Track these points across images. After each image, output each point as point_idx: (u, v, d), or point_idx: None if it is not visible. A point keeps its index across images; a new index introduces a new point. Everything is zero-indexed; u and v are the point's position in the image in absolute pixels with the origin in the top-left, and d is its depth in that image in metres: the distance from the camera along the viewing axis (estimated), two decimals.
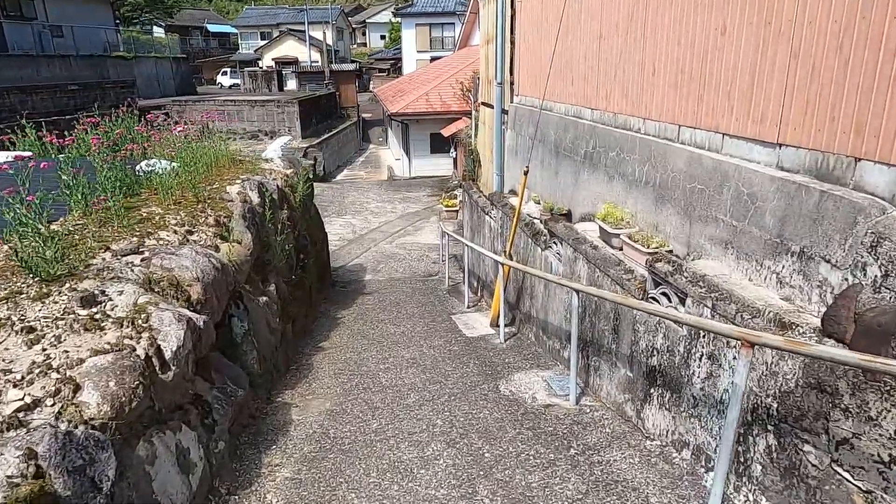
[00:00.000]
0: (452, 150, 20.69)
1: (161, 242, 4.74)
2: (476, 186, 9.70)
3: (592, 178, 5.29)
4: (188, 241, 5.01)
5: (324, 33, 38.17)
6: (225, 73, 48.32)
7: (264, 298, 5.56)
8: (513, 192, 7.76)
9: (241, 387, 4.30)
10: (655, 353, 3.67)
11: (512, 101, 7.72)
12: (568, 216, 5.74)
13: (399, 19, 43.92)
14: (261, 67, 41.16)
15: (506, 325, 6.61)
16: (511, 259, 6.29)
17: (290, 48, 49.37)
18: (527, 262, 6.37)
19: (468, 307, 8.24)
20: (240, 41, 58.63)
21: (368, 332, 7.14)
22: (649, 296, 3.78)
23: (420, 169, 22.92)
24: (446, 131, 19.47)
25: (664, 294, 3.63)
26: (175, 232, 5.01)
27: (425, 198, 19.19)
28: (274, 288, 5.99)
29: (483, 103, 9.58)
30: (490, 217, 8.01)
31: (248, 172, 7.32)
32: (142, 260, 4.16)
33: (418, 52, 38.15)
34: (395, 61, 50.33)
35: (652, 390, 3.72)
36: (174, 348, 3.32)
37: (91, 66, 29.49)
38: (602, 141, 5.09)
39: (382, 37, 66.77)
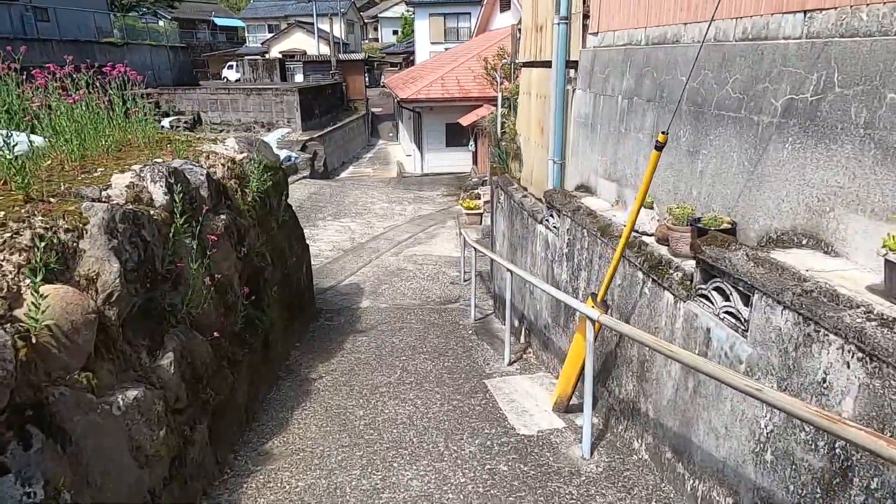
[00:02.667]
0: (471, 142, 17.94)
1: None
2: (517, 182, 6.91)
3: (813, 158, 2.49)
4: None
5: (330, 19, 35.63)
6: (230, 67, 45.94)
7: (133, 393, 2.80)
8: (584, 189, 4.97)
9: None
10: None
11: (584, 46, 4.92)
12: (730, 232, 2.94)
13: (412, 9, 41.41)
14: (263, 57, 38.64)
15: (580, 413, 3.85)
16: (607, 309, 3.48)
17: (298, 41, 47.06)
18: (630, 314, 3.58)
19: (509, 363, 5.45)
20: (247, 34, 56.32)
21: (354, 414, 4.38)
22: None
23: (434, 165, 20.13)
24: (465, 120, 16.70)
25: None
26: None
27: (440, 198, 16.41)
28: (171, 360, 3.23)
29: (527, 64, 6.78)
30: (546, 227, 5.22)
31: (171, 155, 4.62)
32: None
33: (432, 43, 35.50)
34: (407, 55, 47.70)
35: None
36: None
37: (76, 51, 26.98)
38: (855, 73, 2.29)
39: (395, 32, 64.25)
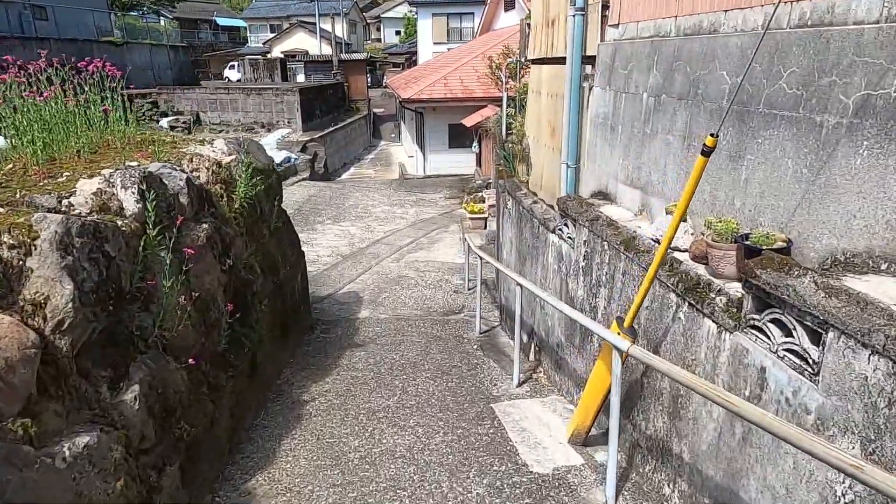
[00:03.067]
0: (475, 144, 17.51)
1: None
2: (525, 187, 6.48)
3: None
4: None
5: (332, 19, 35.26)
6: (232, 67, 45.60)
7: (84, 440, 2.38)
8: (602, 196, 4.55)
9: None
10: None
11: (603, 40, 4.50)
12: (785, 251, 2.51)
13: (415, 9, 41.07)
14: (265, 57, 38.29)
15: (599, 447, 3.44)
16: (635, 337, 3.06)
17: (300, 41, 46.72)
18: (660, 341, 3.16)
19: (518, 384, 5.03)
20: (248, 34, 55.99)
21: (348, 444, 3.96)
22: None
23: (436, 166, 19.72)
24: (468, 121, 16.28)
25: None
26: None
27: (442, 201, 16.00)
28: (136, 394, 2.82)
29: (537, 61, 6.36)
30: (560, 237, 4.80)
31: (149, 157, 4.22)
32: None
33: (434, 44, 35.13)
34: (409, 55, 47.31)
35: None
36: None
37: (74, 50, 26.75)
38: None
39: (397, 32, 63.93)
